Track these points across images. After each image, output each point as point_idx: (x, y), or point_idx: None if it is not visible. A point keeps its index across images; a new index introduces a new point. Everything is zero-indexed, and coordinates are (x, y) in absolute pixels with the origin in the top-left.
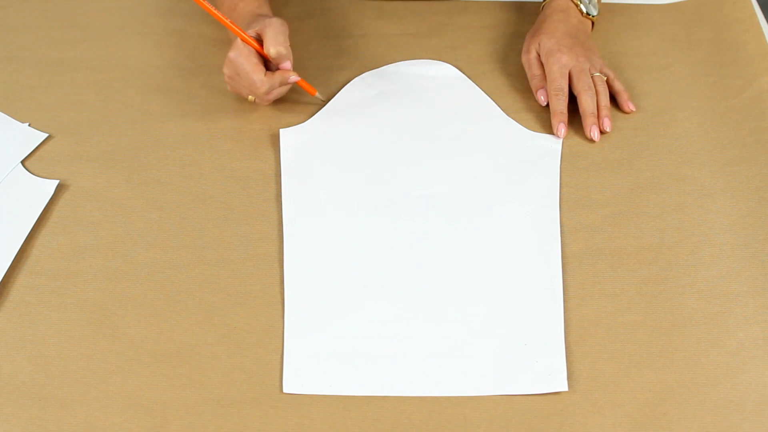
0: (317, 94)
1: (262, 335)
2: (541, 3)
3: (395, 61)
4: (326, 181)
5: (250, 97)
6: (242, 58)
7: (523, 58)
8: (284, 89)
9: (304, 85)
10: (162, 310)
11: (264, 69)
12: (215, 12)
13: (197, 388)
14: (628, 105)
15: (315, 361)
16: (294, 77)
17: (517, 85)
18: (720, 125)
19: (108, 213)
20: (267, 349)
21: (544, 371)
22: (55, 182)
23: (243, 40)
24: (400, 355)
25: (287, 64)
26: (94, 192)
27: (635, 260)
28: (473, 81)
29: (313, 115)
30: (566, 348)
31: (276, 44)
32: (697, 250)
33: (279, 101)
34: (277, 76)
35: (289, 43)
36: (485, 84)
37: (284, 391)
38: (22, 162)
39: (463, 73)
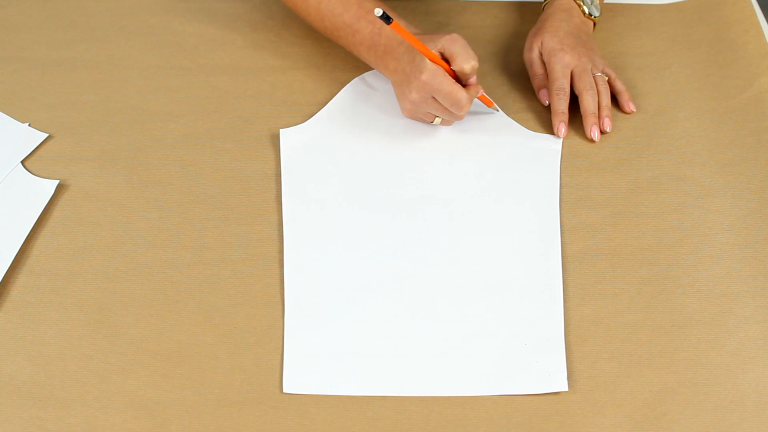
0: (495, 105)
1: (262, 335)
2: (542, 3)
3: None
4: (326, 181)
5: (436, 120)
6: (441, 78)
7: (525, 57)
8: None
9: (486, 98)
10: (162, 310)
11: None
12: (408, 33)
13: (197, 388)
14: (629, 105)
15: (315, 361)
16: (482, 91)
17: (517, 85)
18: (720, 125)
19: (108, 213)
20: (267, 349)
21: (544, 371)
22: (55, 182)
23: (433, 59)
24: (400, 355)
25: (474, 79)
26: (94, 192)
27: (635, 260)
28: None
29: (313, 115)
30: (566, 348)
31: (470, 59)
32: (697, 250)
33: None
34: (473, 91)
35: None
36: (485, 84)
37: (284, 391)
38: (22, 162)
39: None
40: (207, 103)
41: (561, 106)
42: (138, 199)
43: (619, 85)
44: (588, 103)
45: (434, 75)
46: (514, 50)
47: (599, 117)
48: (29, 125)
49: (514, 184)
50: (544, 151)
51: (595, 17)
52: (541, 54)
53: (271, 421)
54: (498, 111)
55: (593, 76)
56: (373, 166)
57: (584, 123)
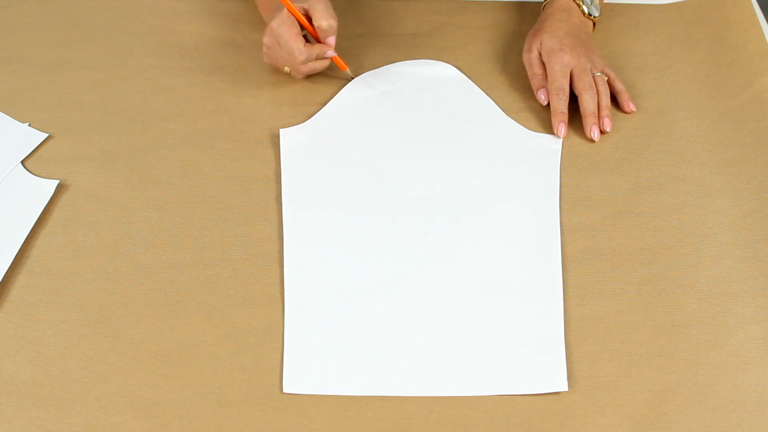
0: (348, 70)
1: (262, 335)
2: (542, 3)
3: (395, 61)
4: (326, 181)
5: (286, 68)
6: (285, 27)
7: (525, 57)
8: (319, 64)
9: (338, 60)
10: (162, 310)
11: (304, 40)
12: None
13: (197, 388)
14: (629, 105)
15: (315, 361)
16: (331, 52)
17: (517, 85)
18: (720, 125)
19: (108, 213)
20: (267, 349)
21: (544, 371)
22: (55, 182)
23: (290, 10)
24: (400, 355)
25: (331, 39)
26: (94, 192)
27: (635, 260)
28: (473, 81)
29: (313, 115)
30: (566, 348)
31: (328, 17)
32: (697, 250)
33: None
34: (316, 48)
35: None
36: (485, 84)
37: (284, 391)
38: (22, 162)
39: (463, 73)
40: (207, 103)
41: (560, 106)
42: (138, 199)
43: (619, 85)
44: (587, 103)
45: (281, 23)
46: (514, 50)
47: (599, 117)
48: (29, 125)
49: (514, 184)
50: (544, 151)
51: (594, 17)
52: (540, 54)
53: (271, 421)
54: (352, 77)
55: (593, 76)
56: (372, 166)
57: (584, 123)
